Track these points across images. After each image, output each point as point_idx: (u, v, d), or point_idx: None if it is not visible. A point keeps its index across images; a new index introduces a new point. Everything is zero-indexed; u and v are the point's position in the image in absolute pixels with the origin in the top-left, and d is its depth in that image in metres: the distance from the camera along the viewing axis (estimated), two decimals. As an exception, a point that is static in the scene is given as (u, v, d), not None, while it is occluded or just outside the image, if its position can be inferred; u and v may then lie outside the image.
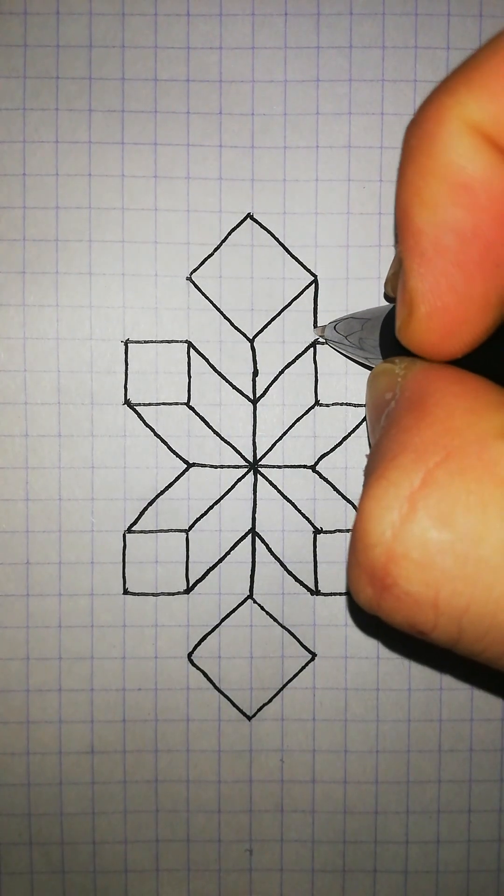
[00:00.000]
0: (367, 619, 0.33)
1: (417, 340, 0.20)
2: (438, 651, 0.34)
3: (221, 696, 0.34)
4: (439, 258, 0.19)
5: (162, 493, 0.33)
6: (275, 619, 0.34)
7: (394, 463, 0.19)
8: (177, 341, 0.33)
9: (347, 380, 0.33)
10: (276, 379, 0.33)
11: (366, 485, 0.19)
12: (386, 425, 0.20)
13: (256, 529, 0.34)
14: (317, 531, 0.34)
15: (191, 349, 0.33)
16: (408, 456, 0.18)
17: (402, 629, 0.19)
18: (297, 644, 0.34)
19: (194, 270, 0.33)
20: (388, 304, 0.30)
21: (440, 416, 0.19)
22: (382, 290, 0.33)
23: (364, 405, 0.33)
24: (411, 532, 0.18)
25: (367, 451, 0.23)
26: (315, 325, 0.33)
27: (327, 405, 0.33)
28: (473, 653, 0.19)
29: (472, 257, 0.19)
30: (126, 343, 0.33)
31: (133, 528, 0.33)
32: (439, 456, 0.18)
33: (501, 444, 0.18)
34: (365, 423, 0.34)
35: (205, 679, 0.34)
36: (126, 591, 0.33)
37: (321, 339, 0.33)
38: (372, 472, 0.19)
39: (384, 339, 0.27)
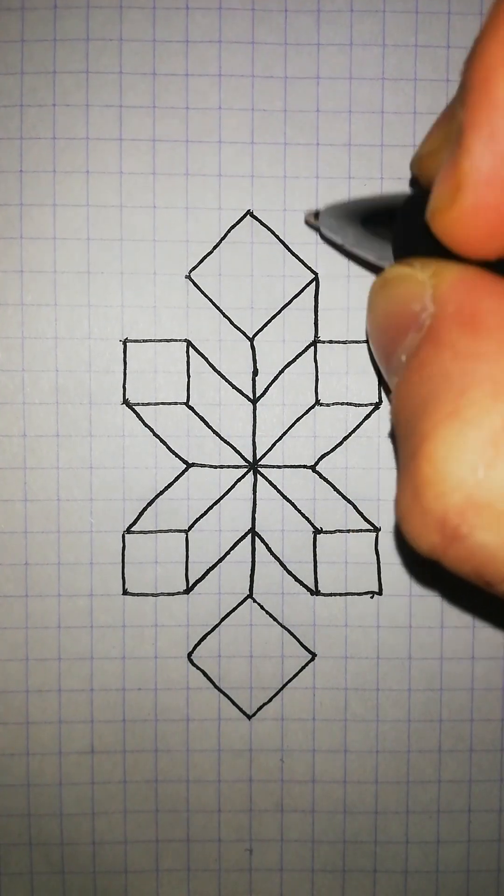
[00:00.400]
0: (367, 621, 0.33)
1: (452, 231, 0.17)
2: (439, 653, 0.34)
3: (221, 696, 0.34)
4: None
5: (161, 493, 0.33)
6: (275, 619, 0.34)
7: (467, 398, 0.16)
8: (176, 340, 0.33)
9: (348, 379, 0.33)
10: (276, 378, 0.33)
11: (430, 422, 0.17)
12: (428, 346, 0.17)
13: (256, 529, 0.33)
14: (317, 531, 0.33)
15: (190, 348, 0.33)
16: (483, 389, 0.16)
17: (464, 577, 0.18)
18: (297, 644, 0.34)
19: (193, 268, 0.33)
20: (397, 193, 0.26)
21: None
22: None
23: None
24: (498, 479, 0.16)
25: (388, 379, 0.20)
26: (315, 321, 0.33)
27: (327, 405, 0.33)
28: None
29: None
30: (125, 342, 0.33)
31: (132, 529, 0.33)
32: None
33: None
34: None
35: (205, 679, 0.34)
36: (125, 592, 0.33)
37: (313, 224, 0.30)
38: (433, 406, 0.17)
39: (403, 232, 0.22)
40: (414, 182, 0.26)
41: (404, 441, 0.18)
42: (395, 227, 0.23)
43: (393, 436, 0.31)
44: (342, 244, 0.29)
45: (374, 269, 0.32)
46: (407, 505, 0.18)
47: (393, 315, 0.19)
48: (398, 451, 0.18)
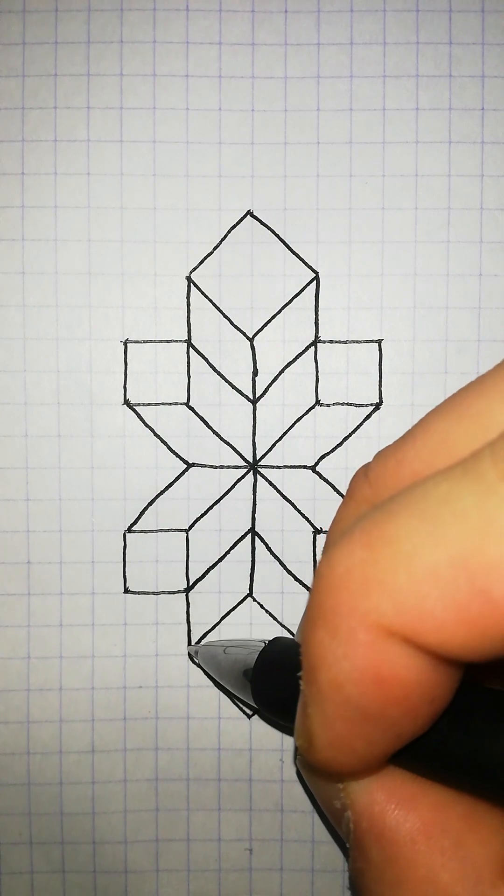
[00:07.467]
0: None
1: (316, 763, 0.20)
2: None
3: (222, 694, 0.34)
4: (345, 725, 0.18)
5: (162, 492, 0.33)
6: (274, 618, 0.34)
7: None
8: (176, 341, 0.33)
9: (348, 379, 0.33)
10: (276, 378, 0.33)
11: None
12: (359, 856, 0.21)
13: (256, 529, 0.33)
14: (316, 531, 0.33)
15: (190, 349, 0.33)
16: None
17: None
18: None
19: (194, 269, 0.33)
20: (255, 644, 0.30)
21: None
22: (384, 287, 0.33)
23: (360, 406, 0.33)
24: None
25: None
26: (315, 321, 0.33)
27: (327, 405, 0.33)
28: None
29: (375, 735, 0.18)
30: (125, 343, 0.33)
31: (133, 528, 0.33)
32: None
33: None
34: (352, 440, 0.33)
35: (205, 677, 0.34)
36: (126, 590, 0.33)
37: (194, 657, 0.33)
38: None
39: (259, 687, 0.28)
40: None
41: None
42: (252, 679, 0.28)
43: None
44: (217, 679, 0.32)
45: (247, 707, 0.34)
46: None
47: (321, 798, 0.22)
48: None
